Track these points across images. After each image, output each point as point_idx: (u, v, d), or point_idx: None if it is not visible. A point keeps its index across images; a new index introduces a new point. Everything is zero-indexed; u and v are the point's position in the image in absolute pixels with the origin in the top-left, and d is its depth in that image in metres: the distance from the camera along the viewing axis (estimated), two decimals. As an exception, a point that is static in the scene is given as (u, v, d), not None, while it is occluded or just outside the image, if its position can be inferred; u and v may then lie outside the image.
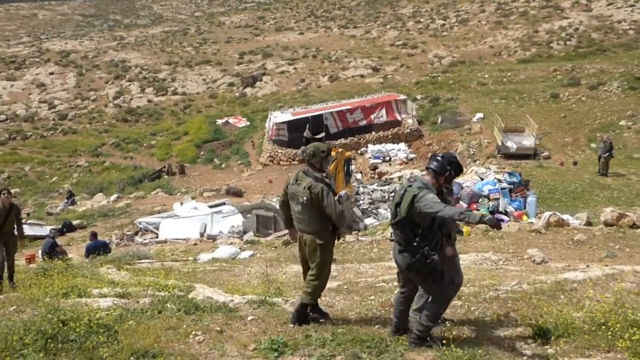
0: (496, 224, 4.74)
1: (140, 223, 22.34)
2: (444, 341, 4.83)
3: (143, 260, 13.42)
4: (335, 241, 5.92)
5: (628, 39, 51.92)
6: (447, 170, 5.13)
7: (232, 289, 8.66)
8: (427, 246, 4.87)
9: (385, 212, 21.66)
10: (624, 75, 38.87)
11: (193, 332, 5.02)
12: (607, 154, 24.25)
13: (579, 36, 54.60)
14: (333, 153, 23.04)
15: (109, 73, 61.09)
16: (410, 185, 5.04)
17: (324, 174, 5.90)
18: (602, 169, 24.22)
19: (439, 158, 5.23)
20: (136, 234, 21.72)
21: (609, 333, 4.34)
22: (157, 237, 20.64)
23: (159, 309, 5.72)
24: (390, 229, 5.30)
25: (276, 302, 6.44)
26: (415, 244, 4.88)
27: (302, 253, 5.91)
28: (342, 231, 5.93)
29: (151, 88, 56.18)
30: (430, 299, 5.11)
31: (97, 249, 14.16)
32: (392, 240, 5.26)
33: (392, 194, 5.42)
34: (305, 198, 5.54)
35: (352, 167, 30.33)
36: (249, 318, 5.58)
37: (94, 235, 15.94)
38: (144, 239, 20.76)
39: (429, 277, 4.93)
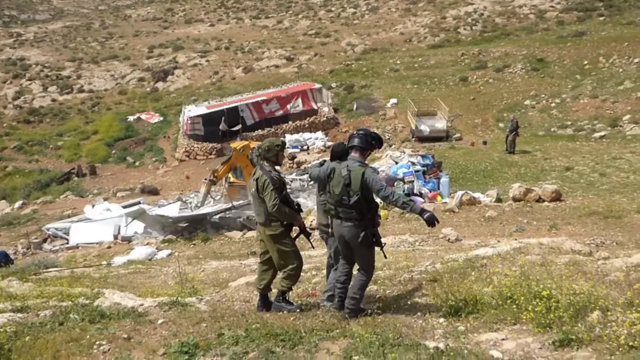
0: (431, 222, 5.02)
1: (48, 229, 21.19)
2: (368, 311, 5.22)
3: (50, 269, 12.69)
4: (297, 236, 6.11)
5: (529, 23, 54.33)
6: (371, 143, 5.53)
7: (145, 292, 8.34)
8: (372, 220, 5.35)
9: (305, 202, 21.65)
10: (527, 57, 40.70)
11: (97, 342, 4.71)
12: (514, 132, 25.32)
13: (484, 21, 56.58)
14: (236, 145, 22.71)
15: (7, 72, 57.40)
16: (352, 166, 5.31)
17: (277, 168, 6.07)
18: (510, 147, 25.27)
19: (360, 134, 5.53)
20: (45, 241, 20.60)
21: (515, 306, 4.45)
22: (67, 243, 19.61)
23: (60, 320, 5.35)
24: (330, 209, 5.52)
25: (189, 302, 6.22)
26: (368, 218, 5.31)
27: (264, 244, 6.03)
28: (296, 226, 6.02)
29: (55, 86, 53.29)
30: (359, 272, 5.48)
31: (-1, 259, 13.25)
32: (335, 218, 5.45)
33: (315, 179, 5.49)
34: (253, 189, 5.82)
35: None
36: (160, 321, 5.33)
37: (-6, 245, 14.92)
38: (53, 246, 19.73)
39: (371, 249, 5.41)
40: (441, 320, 4.83)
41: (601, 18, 50.07)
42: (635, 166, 20.56)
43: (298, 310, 5.77)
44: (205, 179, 21.17)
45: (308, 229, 6.27)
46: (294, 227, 6.03)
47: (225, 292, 7.89)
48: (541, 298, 4.28)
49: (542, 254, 6.88)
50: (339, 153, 5.76)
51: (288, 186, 24.68)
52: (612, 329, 3.78)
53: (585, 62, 37.73)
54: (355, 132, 5.64)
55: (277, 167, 6.09)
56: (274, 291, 6.29)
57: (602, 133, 27.65)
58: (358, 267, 5.57)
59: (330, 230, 5.78)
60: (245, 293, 7.57)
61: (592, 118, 30.08)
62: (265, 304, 6.11)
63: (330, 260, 6.08)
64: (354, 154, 5.43)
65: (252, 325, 5.02)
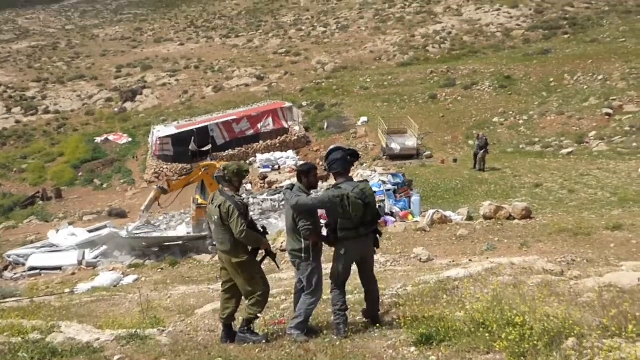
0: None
1: (9, 256, 20.46)
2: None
3: (8, 300, 12.16)
4: (262, 260, 5.97)
5: (496, 41, 55.29)
6: (350, 161, 5.69)
7: (106, 323, 7.99)
8: None
9: (277, 222, 21.37)
10: (495, 75, 41.27)
11: (47, 383, 4.40)
12: (483, 150, 25.48)
13: (452, 39, 57.39)
14: (218, 165, 22.46)
15: (-31, 93, 56.20)
16: (358, 185, 5.57)
17: (238, 193, 5.89)
18: (479, 165, 25.39)
19: (337, 155, 5.62)
20: (5, 268, 19.85)
21: (487, 334, 4.27)
22: (29, 271, 18.91)
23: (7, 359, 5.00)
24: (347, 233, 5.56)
25: (150, 335, 5.90)
26: None
27: (227, 272, 5.86)
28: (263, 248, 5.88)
29: (19, 107, 52.19)
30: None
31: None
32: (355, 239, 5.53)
33: (284, 202, 5.57)
34: (216, 217, 5.58)
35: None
36: (116, 358, 5.02)
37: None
38: (14, 274, 19.00)
39: None
40: (412, 349, 4.63)
41: (566, 36, 51.24)
42: (603, 182, 20.80)
43: (264, 341, 5.52)
44: (156, 186, 20.69)
45: (276, 250, 6.11)
46: (259, 251, 5.86)
47: (191, 321, 7.60)
48: (514, 325, 4.12)
49: (514, 275, 6.77)
50: (297, 173, 5.84)
51: (259, 207, 24.54)
52: (588, 358, 3.63)
53: (551, 80, 38.40)
54: (332, 155, 5.66)
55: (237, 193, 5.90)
56: (240, 319, 6.04)
57: (569, 149, 28.02)
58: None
59: (304, 255, 5.57)
60: (211, 321, 7.29)
61: (559, 134, 30.51)
62: (230, 334, 5.87)
63: (300, 285, 5.88)
64: (341, 179, 5.59)
65: (214, 359, 4.75)
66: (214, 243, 5.95)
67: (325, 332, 5.52)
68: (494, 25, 59.34)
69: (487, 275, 6.91)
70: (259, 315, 5.81)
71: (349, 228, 5.47)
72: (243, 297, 5.86)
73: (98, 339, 5.63)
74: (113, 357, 5.03)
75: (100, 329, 7.27)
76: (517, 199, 18.99)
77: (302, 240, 5.52)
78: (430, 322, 4.81)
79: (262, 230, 5.87)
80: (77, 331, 6.53)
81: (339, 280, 5.71)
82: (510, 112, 35.03)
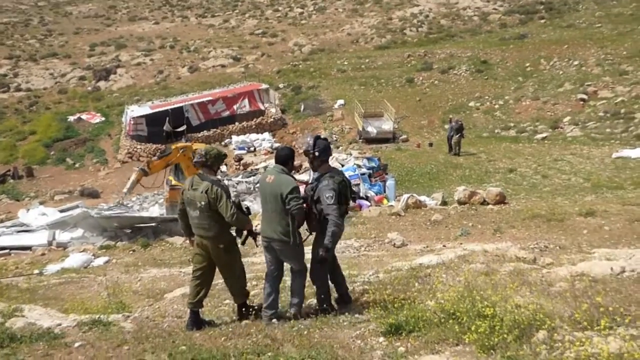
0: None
1: (-22, 235, 19.98)
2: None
3: (-26, 280, 11.84)
4: (245, 240, 5.96)
5: (473, 25, 55.33)
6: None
7: (72, 307, 7.80)
8: None
9: (252, 204, 21.17)
10: (471, 59, 41.32)
11: (2, 371, 4.22)
12: (459, 134, 25.53)
13: (429, 23, 57.27)
14: (178, 147, 22.00)
15: (-62, 70, 54.60)
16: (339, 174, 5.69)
17: (218, 177, 5.92)
18: (454, 149, 25.46)
19: (326, 144, 5.70)
20: (-26, 248, 19.37)
21: (457, 325, 4.19)
22: (-4, 250, 18.49)
23: (-38, 346, 4.80)
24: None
25: (113, 321, 5.73)
26: None
27: (202, 258, 5.82)
28: (256, 231, 5.89)
29: (-10, 85, 50.99)
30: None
31: None
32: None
33: (258, 184, 5.58)
34: (203, 202, 5.51)
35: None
36: (76, 344, 4.85)
37: None
38: (-17, 254, 18.53)
39: None
40: (381, 339, 4.53)
41: (542, 21, 51.48)
42: (576, 168, 20.99)
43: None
44: (137, 167, 20.41)
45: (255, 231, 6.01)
46: (243, 232, 5.90)
47: (159, 306, 7.43)
48: (485, 317, 4.04)
49: (487, 262, 6.72)
50: (283, 157, 5.67)
51: (234, 189, 24.31)
52: (559, 352, 3.56)
53: (527, 64, 38.59)
54: (323, 143, 5.68)
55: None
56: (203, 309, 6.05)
57: (544, 134, 28.24)
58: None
59: (291, 239, 5.51)
60: (179, 306, 7.13)
61: (534, 120, 30.71)
62: (196, 321, 5.79)
63: (275, 271, 5.77)
64: (329, 166, 5.71)
65: (178, 347, 4.61)
66: (194, 227, 5.70)
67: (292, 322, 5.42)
68: (471, 9, 59.36)
69: (459, 263, 6.85)
70: (244, 300, 5.97)
71: (342, 213, 5.54)
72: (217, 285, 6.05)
73: (59, 325, 5.46)
74: (73, 344, 4.87)
75: (65, 312, 7.10)
76: (491, 184, 19.09)
77: (290, 222, 5.45)
78: (400, 312, 4.71)
79: (246, 210, 5.86)
80: (40, 315, 6.36)
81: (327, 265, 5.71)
82: (486, 97, 35.16)
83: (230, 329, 5.29)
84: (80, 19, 78.42)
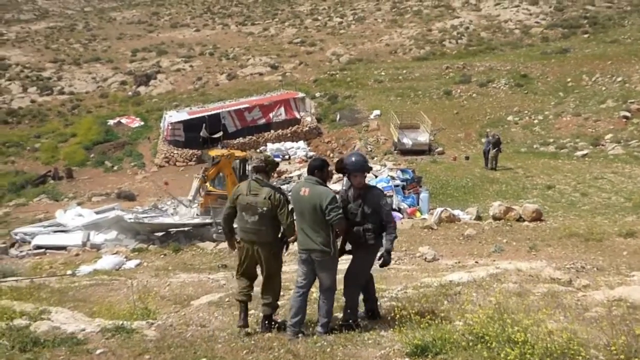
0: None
1: (16, 234, 20.46)
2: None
3: (8, 279, 12.06)
4: (284, 249, 5.98)
5: (514, 38, 54.55)
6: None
7: (98, 311, 7.82)
8: None
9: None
10: (511, 73, 40.70)
11: (22, 376, 4.21)
12: (496, 149, 25.08)
13: (469, 35, 56.72)
14: (214, 154, 22.29)
15: (-14, 72, 56.39)
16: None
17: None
18: (491, 164, 24.99)
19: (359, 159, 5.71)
20: (12, 245, 19.83)
21: (486, 350, 4.00)
22: (34, 249, 18.90)
23: (-13, 347, 4.83)
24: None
25: (137, 328, 5.70)
26: None
27: (249, 264, 5.88)
28: (290, 240, 5.87)
29: (35, 87, 52.33)
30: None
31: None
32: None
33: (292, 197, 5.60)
34: (265, 208, 5.56)
35: (250, 167, 29.69)
36: (98, 352, 4.83)
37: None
38: (20, 252, 18.98)
39: None
40: (406, 360, 4.39)
41: (585, 35, 50.42)
42: (617, 187, 20.38)
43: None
44: (198, 175, 20.69)
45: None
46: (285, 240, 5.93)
47: (185, 312, 7.40)
48: (515, 342, 3.85)
49: (520, 282, 6.49)
50: (314, 167, 5.65)
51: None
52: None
53: (569, 80, 37.79)
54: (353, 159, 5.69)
55: None
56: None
57: (584, 152, 27.54)
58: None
59: (332, 249, 5.53)
60: (204, 314, 7.09)
61: (574, 136, 30.01)
62: (247, 314, 5.92)
63: (307, 286, 5.71)
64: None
65: (199, 359, 4.54)
66: (247, 232, 5.73)
67: (314, 334, 5.30)
68: (512, 22, 58.58)
69: (491, 282, 6.64)
70: (273, 312, 5.97)
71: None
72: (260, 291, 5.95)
73: (83, 330, 5.45)
74: (95, 351, 4.85)
75: (91, 316, 7.12)
76: (528, 200, 18.66)
77: (331, 232, 5.44)
78: (427, 332, 4.55)
79: None
80: (66, 318, 6.38)
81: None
82: (525, 112, 34.53)
83: (252, 342, 5.20)
84: (124, 25, 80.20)
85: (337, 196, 5.62)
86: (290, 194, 5.76)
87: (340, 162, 5.71)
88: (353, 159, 5.66)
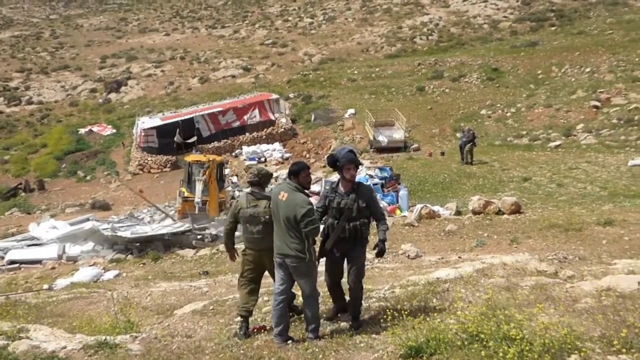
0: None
1: (-12, 249, 19.93)
2: None
3: (-17, 296, 11.71)
4: None
5: (483, 33, 55.11)
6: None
7: (78, 326, 7.59)
8: None
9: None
10: (482, 67, 41.04)
11: (4, 399, 4.03)
12: (471, 143, 25.20)
13: (439, 31, 57.15)
14: (204, 159, 22.19)
15: (-49, 83, 55.16)
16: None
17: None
18: (466, 158, 25.13)
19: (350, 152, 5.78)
20: (-16, 261, 19.30)
21: (483, 349, 3.93)
22: (8, 264, 18.41)
23: (-36, 370, 4.63)
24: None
25: (120, 342, 5.51)
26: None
27: (254, 272, 6.20)
28: None
29: (1, 98, 51.35)
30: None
31: None
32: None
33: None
34: (267, 217, 5.83)
35: (227, 170, 29.44)
36: (81, 369, 4.65)
37: None
38: (-7, 267, 18.47)
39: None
40: (400, 363, 4.31)
41: (553, 28, 51.19)
42: (592, 176, 20.63)
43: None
44: (200, 178, 20.43)
45: None
46: None
47: (169, 323, 7.24)
48: (512, 339, 3.79)
49: (507, 276, 6.47)
50: (295, 171, 5.61)
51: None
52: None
53: (539, 72, 38.25)
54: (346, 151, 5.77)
55: None
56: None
57: (557, 142, 27.87)
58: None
59: (307, 255, 5.44)
60: (189, 324, 6.94)
61: (546, 127, 30.35)
62: (248, 326, 6.06)
63: (285, 294, 5.62)
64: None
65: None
66: (253, 241, 6.10)
67: (307, 343, 5.19)
68: (481, 17, 59.22)
69: (478, 277, 6.60)
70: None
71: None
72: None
73: (64, 347, 5.26)
74: (79, 370, 4.67)
75: (72, 332, 6.91)
76: (506, 193, 18.78)
77: (306, 239, 5.38)
78: (420, 333, 4.47)
79: None
80: (46, 336, 6.18)
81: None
82: (498, 105, 34.84)
83: (241, 351, 5.07)
84: (91, 32, 79.14)
85: (313, 205, 5.51)
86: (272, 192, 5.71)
87: (332, 157, 5.75)
88: (346, 151, 5.70)
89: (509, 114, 33.40)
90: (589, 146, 26.56)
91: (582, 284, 5.80)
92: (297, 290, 5.92)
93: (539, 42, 45.81)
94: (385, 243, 5.87)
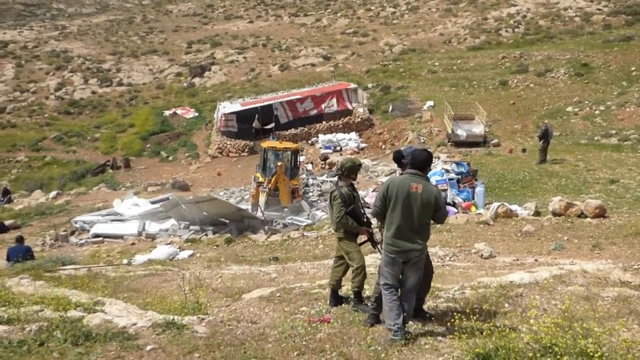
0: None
1: (76, 222, 21.08)
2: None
3: (67, 267, 12.35)
4: (362, 243, 6.81)
5: (574, 26, 52.60)
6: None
7: (151, 303, 7.83)
8: None
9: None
10: (571, 62, 39.23)
11: (73, 371, 4.19)
12: (543, 140, 23.89)
13: (526, 23, 55.03)
14: (280, 146, 22.39)
15: (50, 64, 58.42)
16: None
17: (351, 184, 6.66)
18: (540, 156, 23.90)
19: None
20: (72, 233, 20.45)
21: (556, 363, 3.71)
22: (92, 238, 19.40)
23: (42, 339, 4.85)
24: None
25: (187, 324, 5.62)
26: None
27: (337, 247, 6.86)
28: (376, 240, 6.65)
29: (95, 79, 54.03)
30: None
31: (18, 254, 12.99)
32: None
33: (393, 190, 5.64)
34: (327, 201, 6.87)
35: (302, 158, 29.67)
36: (148, 348, 4.78)
37: (18, 239, 14.68)
38: (80, 240, 19.53)
39: None
40: (466, 370, 4.14)
41: (651, 22, 48.13)
42: (686, 181, 19.30)
43: (372, 311, 5.82)
44: (263, 189, 20.44)
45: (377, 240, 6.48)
46: (360, 235, 6.64)
47: (235, 307, 7.34)
48: (589, 356, 3.55)
49: (587, 285, 6.11)
50: (423, 162, 5.48)
51: (319, 188, 24.22)
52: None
53: (633, 69, 36.13)
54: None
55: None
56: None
57: (650, 144, 26.25)
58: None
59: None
60: (255, 310, 7.00)
61: (638, 127, 28.64)
62: (336, 298, 6.73)
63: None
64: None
65: (248, 359, 4.42)
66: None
67: (369, 339, 5.09)
68: (572, 9, 56.47)
69: (555, 284, 6.28)
70: (361, 287, 6.52)
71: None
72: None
73: (135, 324, 5.43)
74: (146, 347, 4.80)
75: (144, 308, 7.14)
76: (590, 195, 17.85)
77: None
78: (489, 339, 4.28)
79: (365, 220, 6.60)
80: (119, 311, 6.41)
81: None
82: (586, 102, 33.20)
83: (304, 343, 5.05)
84: (179, 17, 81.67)
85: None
86: (388, 185, 5.42)
87: (399, 152, 5.98)
88: (412, 150, 5.68)
89: (597, 112, 31.76)
90: (685, 150, 24.85)
91: (670, 299, 5.40)
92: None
93: (634, 36, 43.16)
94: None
